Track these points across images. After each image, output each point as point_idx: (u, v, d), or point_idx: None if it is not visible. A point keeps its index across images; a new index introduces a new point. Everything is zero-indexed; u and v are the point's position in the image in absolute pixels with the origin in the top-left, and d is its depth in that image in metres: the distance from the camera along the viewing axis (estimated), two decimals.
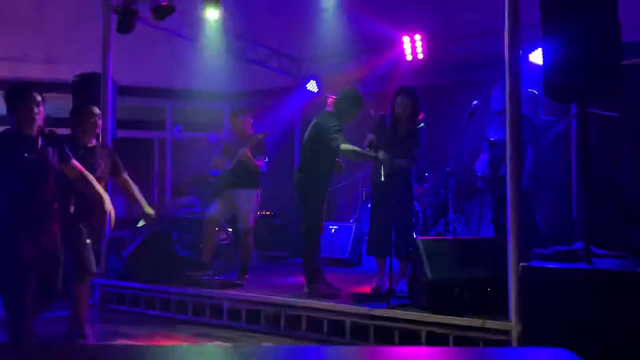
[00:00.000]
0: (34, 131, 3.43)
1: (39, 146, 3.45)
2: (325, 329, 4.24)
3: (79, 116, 4.19)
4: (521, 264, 3.51)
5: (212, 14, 6.04)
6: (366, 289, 4.84)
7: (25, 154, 3.36)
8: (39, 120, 3.44)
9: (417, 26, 6.86)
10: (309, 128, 4.86)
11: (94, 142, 4.21)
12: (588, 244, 3.63)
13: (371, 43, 7.18)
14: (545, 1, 3.65)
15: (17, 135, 3.42)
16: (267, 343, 4.26)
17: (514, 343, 3.47)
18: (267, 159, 5.61)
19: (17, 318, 3.31)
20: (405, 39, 6.97)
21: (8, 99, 3.41)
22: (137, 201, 4.31)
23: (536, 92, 5.32)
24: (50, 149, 3.49)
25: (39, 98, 3.42)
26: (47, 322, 4.04)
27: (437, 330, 3.80)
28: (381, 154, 4.52)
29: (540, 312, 3.38)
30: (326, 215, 4.93)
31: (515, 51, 3.72)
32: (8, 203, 3.34)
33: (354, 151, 4.72)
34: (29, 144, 3.40)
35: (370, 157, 4.67)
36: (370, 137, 4.86)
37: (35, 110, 3.40)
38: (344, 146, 4.62)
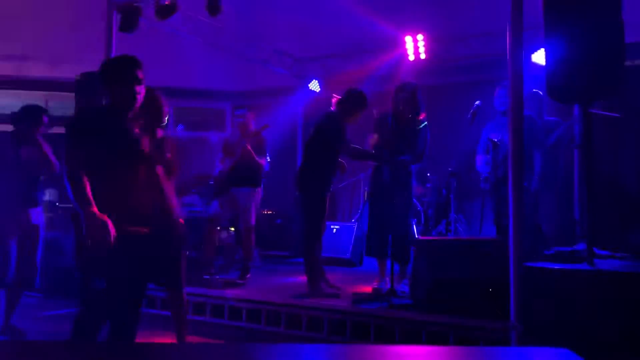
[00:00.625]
0: (130, 115, 2.89)
1: (133, 133, 2.89)
2: (325, 328, 4.24)
3: (150, 102, 3.47)
4: (523, 264, 3.51)
5: (214, 13, 6.03)
6: (367, 288, 4.84)
7: (117, 139, 2.82)
8: (138, 102, 2.90)
9: (419, 26, 6.85)
10: (313, 128, 4.86)
11: (161, 133, 3.70)
12: (590, 245, 3.62)
13: (374, 43, 7.17)
14: (548, 1, 3.65)
15: (109, 117, 2.86)
16: (268, 342, 4.26)
17: (515, 343, 3.47)
18: (269, 159, 5.60)
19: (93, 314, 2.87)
20: (408, 39, 6.97)
21: (103, 75, 2.90)
22: None
23: (540, 93, 5.32)
24: (144, 139, 2.93)
25: (140, 76, 2.89)
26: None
27: (438, 330, 3.80)
28: (384, 154, 4.53)
29: (541, 312, 3.37)
30: (328, 215, 4.93)
31: (518, 51, 3.72)
32: (95, 196, 2.71)
33: (356, 151, 4.72)
34: (121, 128, 2.85)
35: (372, 157, 4.66)
36: (373, 137, 4.86)
37: (136, 89, 2.86)
38: (347, 146, 4.62)
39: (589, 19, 3.48)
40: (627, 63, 3.53)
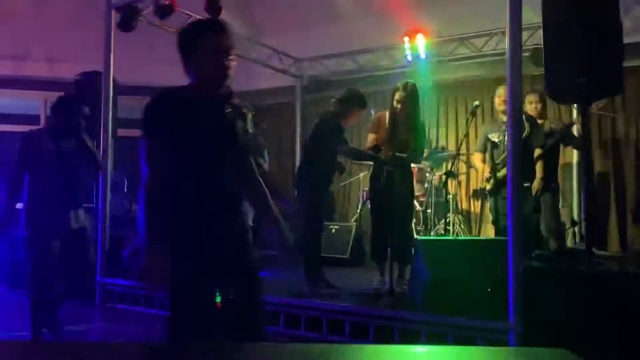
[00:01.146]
0: (221, 92, 2.30)
1: (225, 114, 2.29)
2: (324, 328, 4.24)
3: None
4: (521, 264, 3.51)
5: (214, 14, 6.03)
6: (367, 288, 4.84)
7: (208, 124, 2.22)
8: (231, 76, 2.28)
9: (418, 26, 6.85)
10: (312, 128, 4.87)
11: None
12: (588, 245, 3.63)
13: (373, 42, 7.17)
14: (547, 1, 3.66)
15: (194, 97, 2.24)
16: (266, 342, 4.26)
17: (514, 343, 3.47)
18: (267, 158, 5.60)
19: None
20: (407, 39, 6.97)
21: (186, 43, 2.31)
22: None
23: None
24: (238, 122, 2.33)
25: (230, 44, 2.26)
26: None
27: (437, 330, 3.80)
28: (382, 155, 4.52)
29: (540, 312, 3.38)
30: (327, 214, 4.93)
31: (517, 51, 3.72)
32: (180, 193, 2.19)
33: (355, 151, 4.72)
34: (211, 109, 2.25)
35: (371, 157, 4.66)
36: (372, 137, 4.86)
37: (226, 62, 2.24)
38: (346, 147, 4.62)
39: (588, 19, 3.49)
40: (625, 64, 3.54)
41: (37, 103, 8.52)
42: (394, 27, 6.79)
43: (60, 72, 7.36)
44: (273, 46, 7.58)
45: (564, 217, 5.89)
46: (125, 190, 6.86)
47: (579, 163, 6.17)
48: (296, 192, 4.90)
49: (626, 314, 3.12)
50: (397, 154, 4.55)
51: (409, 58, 7.02)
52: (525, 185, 4.82)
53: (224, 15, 6.06)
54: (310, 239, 4.72)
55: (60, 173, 3.86)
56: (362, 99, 4.80)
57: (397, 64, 7.20)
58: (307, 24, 7.15)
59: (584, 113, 3.86)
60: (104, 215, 5.56)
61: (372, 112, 5.21)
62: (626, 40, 3.55)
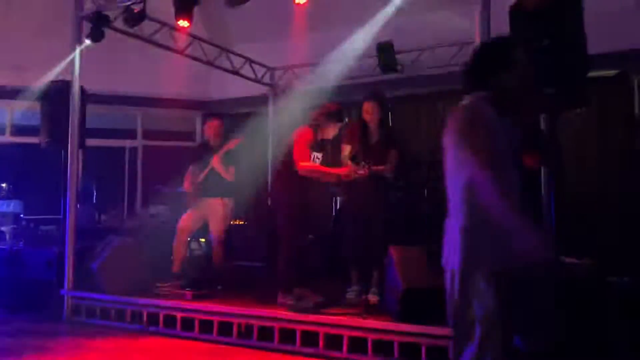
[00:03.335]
0: None
1: None
2: (297, 340, 4.20)
3: None
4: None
5: (184, 22, 5.97)
6: (339, 298, 4.81)
7: None
8: None
9: (393, 35, 6.89)
10: (286, 140, 4.81)
11: None
12: (557, 253, 3.67)
13: (348, 51, 7.18)
14: (514, 13, 3.73)
15: None
16: (238, 355, 4.21)
17: None
18: (236, 169, 5.53)
19: None
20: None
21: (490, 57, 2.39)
22: None
23: None
24: None
25: None
26: None
27: (410, 339, 3.80)
28: (361, 165, 4.46)
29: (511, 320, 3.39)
30: (303, 224, 4.88)
31: None
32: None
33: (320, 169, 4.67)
34: None
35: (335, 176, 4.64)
36: (347, 148, 4.85)
37: None
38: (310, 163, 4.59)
39: (554, 30, 3.57)
40: (592, 74, 3.62)
41: (3, 112, 8.30)
42: (366, 37, 6.82)
43: (27, 81, 7.19)
44: (245, 55, 7.55)
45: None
46: (94, 200, 6.73)
47: (548, 172, 6.27)
48: (269, 201, 4.86)
49: (593, 321, 3.17)
50: (373, 166, 4.54)
51: (381, 68, 7.05)
52: None
53: (196, 23, 6.02)
54: (285, 250, 4.67)
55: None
56: (339, 114, 4.76)
57: (369, 74, 7.22)
58: (280, 33, 7.13)
59: (552, 123, 3.93)
60: (71, 226, 5.43)
61: (346, 120, 5.20)
62: (592, 51, 3.63)
